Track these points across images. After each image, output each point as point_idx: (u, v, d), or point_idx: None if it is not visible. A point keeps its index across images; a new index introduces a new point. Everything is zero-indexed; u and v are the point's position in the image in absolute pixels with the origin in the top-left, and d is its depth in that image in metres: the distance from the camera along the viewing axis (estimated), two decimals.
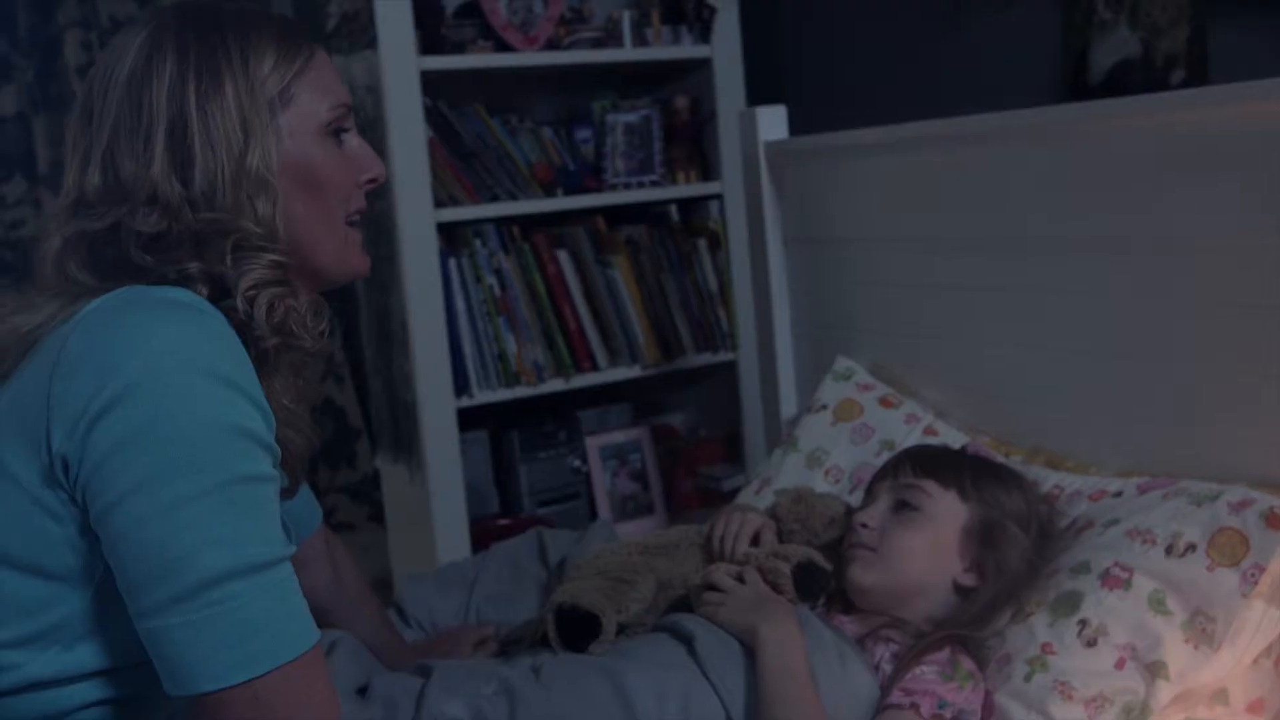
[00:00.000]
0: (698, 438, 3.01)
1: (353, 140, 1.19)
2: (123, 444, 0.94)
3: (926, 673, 1.33)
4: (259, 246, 1.09)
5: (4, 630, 1.02)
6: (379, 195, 2.52)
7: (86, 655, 1.03)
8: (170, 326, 0.98)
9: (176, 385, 0.95)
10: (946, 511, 1.48)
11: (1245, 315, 1.46)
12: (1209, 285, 1.50)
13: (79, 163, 1.10)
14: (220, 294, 1.07)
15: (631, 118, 2.78)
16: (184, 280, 1.06)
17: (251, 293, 1.07)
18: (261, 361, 1.08)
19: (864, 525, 1.50)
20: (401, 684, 1.40)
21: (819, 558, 1.53)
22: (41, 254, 1.11)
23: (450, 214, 2.55)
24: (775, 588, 1.47)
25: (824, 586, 1.50)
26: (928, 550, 1.47)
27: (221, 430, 0.96)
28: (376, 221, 2.53)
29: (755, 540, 1.60)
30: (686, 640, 1.38)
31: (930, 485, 1.50)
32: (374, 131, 2.46)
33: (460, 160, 2.61)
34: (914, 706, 1.30)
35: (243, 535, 0.95)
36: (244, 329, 1.07)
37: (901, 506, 1.50)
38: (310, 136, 1.14)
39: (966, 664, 1.37)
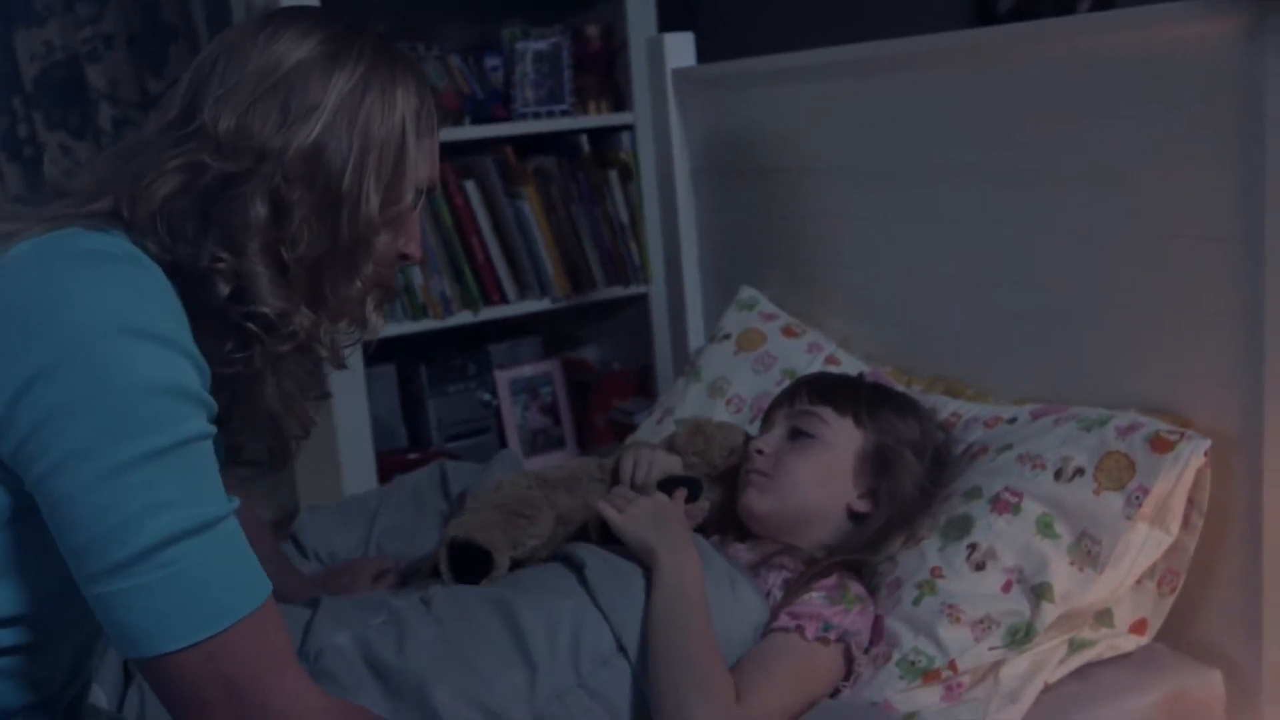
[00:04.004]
0: (610, 372, 3.00)
1: (415, 216, 1.16)
2: (56, 411, 0.90)
3: (814, 598, 1.34)
4: (349, 269, 1.08)
5: None
6: None
7: None
8: (102, 285, 0.94)
9: (110, 349, 0.91)
10: (842, 438, 1.47)
11: (1143, 243, 1.47)
12: (1109, 214, 1.51)
13: (214, 100, 1.04)
14: (239, 295, 1.03)
15: (541, 46, 2.72)
16: (213, 273, 1.01)
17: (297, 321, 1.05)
18: (266, 359, 1.07)
19: (759, 452, 1.49)
20: (290, 615, 1.38)
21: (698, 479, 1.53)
22: (88, 167, 1.07)
23: None
24: None
25: (694, 489, 1.51)
26: (822, 476, 1.46)
27: (159, 392, 0.92)
28: None
29: None
30: (577, 568, 1.37)
31: (826, 412, 1.49)
32: None
33: None
34: (799, 629, 1.30)
35: (187, 496, 0.93)
36: (257, 334, 1.04)
37: (797, 434, 1.49)
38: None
39: (855, 588, 1.37)
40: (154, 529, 0.91)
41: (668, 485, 1.49)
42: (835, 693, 1.33)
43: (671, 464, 1.60)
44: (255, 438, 1.25)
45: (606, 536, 1.44)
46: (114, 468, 0.90)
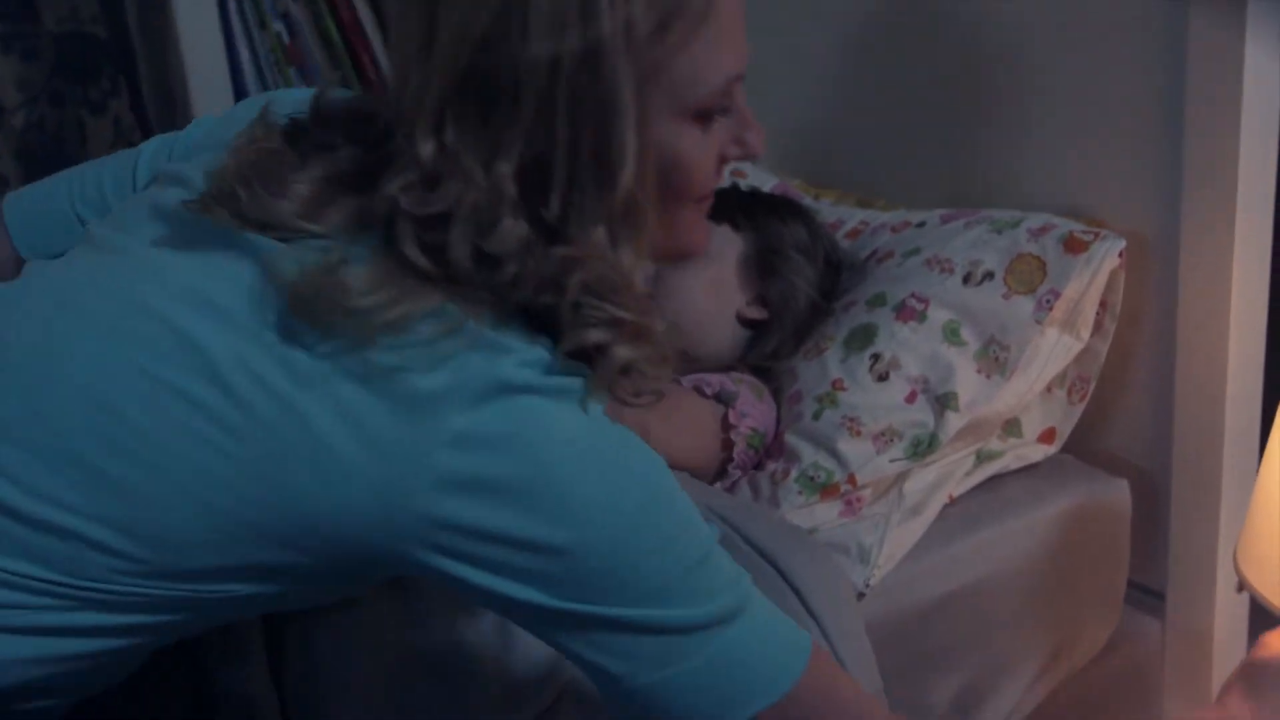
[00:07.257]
0: None
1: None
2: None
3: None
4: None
5: None
6: None
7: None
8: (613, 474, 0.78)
9: (636, 536, 0.79)
10: (720, 246, 1.41)
11: (1058, 41, 1.39)
12: (1021, 12, 1.42)
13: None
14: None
15: None
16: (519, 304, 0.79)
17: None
18: None
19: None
20: None
21: None
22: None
23: None
24: None
25: None
26: (705, 286, 1.40)
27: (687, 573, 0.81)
28: None
29: None
30: None
31: None
32: None
33: None
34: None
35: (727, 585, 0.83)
36: None
37: None
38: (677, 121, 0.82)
39: (749, 378, 1.35)
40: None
41: None
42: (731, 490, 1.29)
43: None
44: None
45: None
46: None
